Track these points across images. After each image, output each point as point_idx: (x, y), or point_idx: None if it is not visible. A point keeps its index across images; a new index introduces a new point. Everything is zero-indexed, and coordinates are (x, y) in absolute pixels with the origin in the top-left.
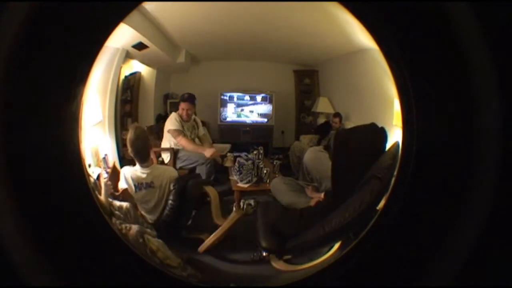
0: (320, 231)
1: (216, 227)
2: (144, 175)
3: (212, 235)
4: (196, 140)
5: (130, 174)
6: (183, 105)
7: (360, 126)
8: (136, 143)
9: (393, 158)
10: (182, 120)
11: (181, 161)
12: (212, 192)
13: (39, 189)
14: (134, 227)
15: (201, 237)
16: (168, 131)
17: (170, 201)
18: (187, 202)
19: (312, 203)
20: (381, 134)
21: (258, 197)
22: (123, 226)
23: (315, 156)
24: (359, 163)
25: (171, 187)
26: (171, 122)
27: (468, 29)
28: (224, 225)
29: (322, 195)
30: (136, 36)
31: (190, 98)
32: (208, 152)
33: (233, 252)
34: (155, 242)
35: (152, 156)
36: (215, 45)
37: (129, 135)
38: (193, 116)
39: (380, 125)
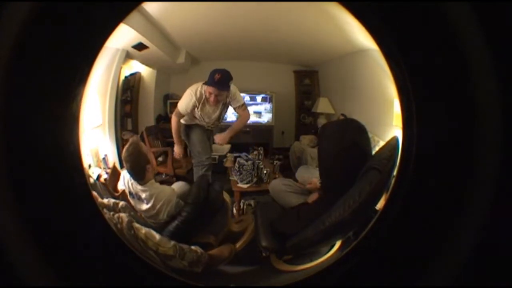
0: (320, 226)
1: (228, 231)
2: (140, 187)
3: (241, 242)
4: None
5: (128, 177)
6: (210, 90)
7: (341, 120)
8: (128, 159)
9: (391, 150)
10: (207, 102)
11: (188, 142)
12: (228, 198)
13: (39, 189)
14: (124, 216)
15: (209, 241)
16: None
17: (185, 213)
18: (209, 212)
19: (310, 200)
20: (355, 127)
21: (258, 197)
22: (114, 216)
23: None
24: (346, 157)
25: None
26: (181, 103)
27: (468, 29)
28: (249, 229)
29: (317, 183)
30: (136, 37)
31: (221, 82)
32: (175, 148)
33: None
34: (142, 230)
35: (151, 157)
36: (215, 46)
37: (124, 151)
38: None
39: (380, 127)
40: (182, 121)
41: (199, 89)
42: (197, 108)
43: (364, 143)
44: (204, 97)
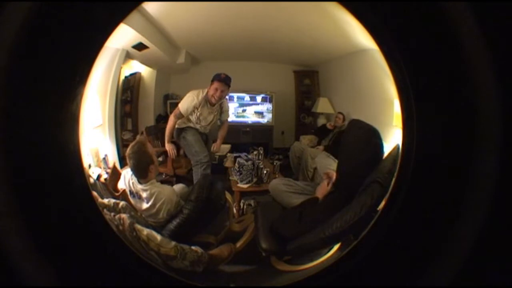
0: (320, 234)
1: (229, 230)
2: (140, 186)
3: (241, 242)
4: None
5: (129, 177)
6: (217, 85)
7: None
8: (132, 157)
9: (394, 162)
10: (207, 102)
11: (184, 143)
12: (229, 198)
13: (39, 189)
14: (125, 218)
15: (209, 241)
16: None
17: (187, 211)
18: (211, 211)
19: (319, 194)
20: (378, 138)
21: (258, 197)
22: (116, 217)
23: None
24: (357, 160)
25: (192, 198)
26: (183, 104)
27: (468, 29)
28: (250, 229)
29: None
30: (136, 37)
31: (227, 79)
32: (167, 146)
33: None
34: (144, 231)
35: (155, 158)
36: (215, 46)
37: (129, 148)
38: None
39: (380, 127)
40: None
41: (201, 93)
42: (197, 110)
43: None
44: (204, 100)
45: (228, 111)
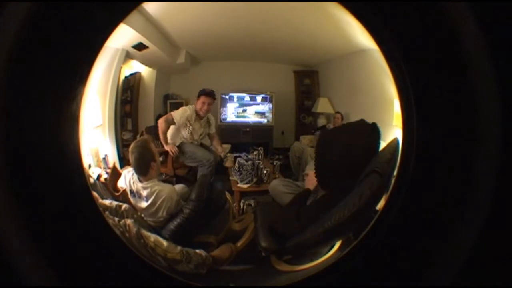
0: (319, 228)
1: (229, 230)
2: (141, 184)
3: (242, 241)
4: (205, 139)
5: (129, 177)
6: (204, 99)
7: (346, 124)
8: (134, 151)
9: (393, 152)
10: (197, 116)
11: (185, 157)
12: (230, 197)
13: (39, 189)
14: (131, 224)
15: (210, 241)
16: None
17: (187, 211)
18: (212, 211)
19: (311, 185)
20: (372, 130)
21: (258, 197)
22: (120, 223)
23: None
24: (349, 161)
25: (193, 198)
26: (178, 112)
27: (468, 29)
28: (250, 228)
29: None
30: (136, 37)
31: (212, 93)
32: (167, 147)
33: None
34: (151, 238)
35: (158, 157)
36: (215, 46)
37: (132, 143)
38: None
39: (374, 123)
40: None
41: (191, 107)
42: (190, 124)
43: (375, 145)
44: (195, 113)
45: (213, 125)
